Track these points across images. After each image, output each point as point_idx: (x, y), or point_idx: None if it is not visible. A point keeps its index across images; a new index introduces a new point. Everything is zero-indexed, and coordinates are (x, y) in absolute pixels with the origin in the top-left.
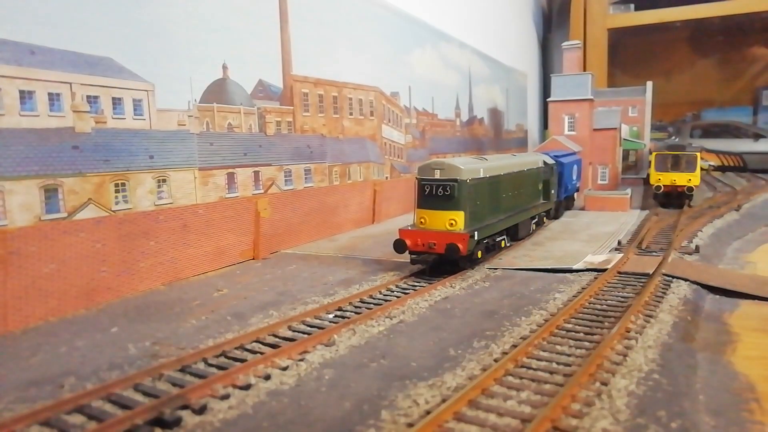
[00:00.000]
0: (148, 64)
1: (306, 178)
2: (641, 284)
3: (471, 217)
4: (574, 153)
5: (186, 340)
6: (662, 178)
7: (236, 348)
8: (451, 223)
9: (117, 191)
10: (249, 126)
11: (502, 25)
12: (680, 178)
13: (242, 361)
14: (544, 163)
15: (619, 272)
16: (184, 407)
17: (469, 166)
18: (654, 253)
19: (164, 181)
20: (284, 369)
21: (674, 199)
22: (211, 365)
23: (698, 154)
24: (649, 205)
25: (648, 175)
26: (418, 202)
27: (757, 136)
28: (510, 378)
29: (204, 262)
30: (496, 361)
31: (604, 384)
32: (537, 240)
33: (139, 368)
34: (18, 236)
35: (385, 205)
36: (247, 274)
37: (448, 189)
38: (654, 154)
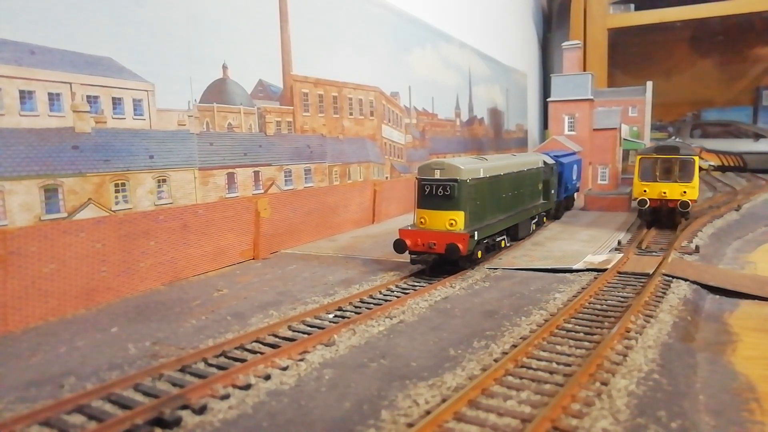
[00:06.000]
0: (148, 64)
1: (306, 178)
2: (641, 284)
3: (471, 217)
4: (574, 153)
5: (186, 340)
6: (648, 190)
7: (236, 348)
8: (451, 223)
9: (117, 191)
10: (249, 126)
11: (502, 25)
12: (672, 190)
13: (242, 361)
14: (544, 163)
15: (619, 272)
16: (184, 407)
17: (469, 166)
18: (654, 253)
19: (164, 181)
20: (284, 369)
21: (663, 217)
22: (211, 365)
23: (696, 157)
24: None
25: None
26: (418, 202)
27: (757, 136)
28: (510, 378)
29: (204, 262)
30: (496, 361)
31: (604, 384)
32: (537, 240)
33: (139, 368)
34: (18, 236)
35: (385, 205)
36: (247, 274)
37: (448, 189)
38: (638, 158)
